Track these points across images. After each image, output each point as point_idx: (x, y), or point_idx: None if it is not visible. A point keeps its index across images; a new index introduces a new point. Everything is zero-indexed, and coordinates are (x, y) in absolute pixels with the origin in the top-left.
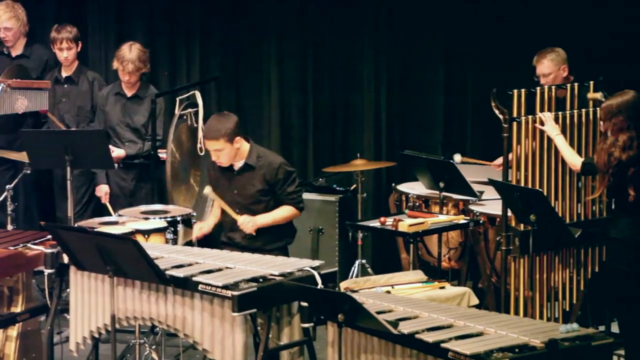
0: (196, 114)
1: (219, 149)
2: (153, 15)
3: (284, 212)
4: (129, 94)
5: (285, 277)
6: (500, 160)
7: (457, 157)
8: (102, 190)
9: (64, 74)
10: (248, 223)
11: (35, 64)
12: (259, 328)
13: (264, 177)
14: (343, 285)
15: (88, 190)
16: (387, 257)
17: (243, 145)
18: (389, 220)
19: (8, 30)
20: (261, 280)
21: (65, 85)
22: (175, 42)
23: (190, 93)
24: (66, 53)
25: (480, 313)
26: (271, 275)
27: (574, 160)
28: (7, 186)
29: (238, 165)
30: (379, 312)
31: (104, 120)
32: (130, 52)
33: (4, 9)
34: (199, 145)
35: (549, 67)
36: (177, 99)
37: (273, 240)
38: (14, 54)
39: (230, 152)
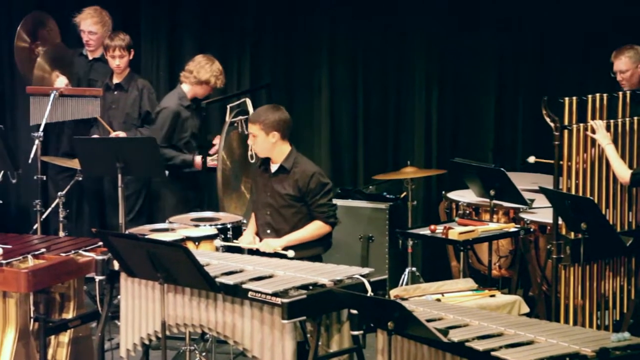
0: (247, 121)
1: (254, 134)
2: (204, 23)
3: (311, 230)
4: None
5: (335, 284)
6: None
7: (531, 159)
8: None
9: (115, 81)
10: (268, 248)
11: (107, 70)
12: (308, 335)
13: (296, 183)
14: (393, 293)
15: (140, 197)
16: (437, 265)
17: (282, 147)
18: (439, 228)
19: (93, 34)
20: (311, 287)
21: (115, 92)
22: (226, 50)
23: (241, 100)
24: (118, 61)
25: (531, 321)
26: (321, 282)
27: (622, 172)
28: (59, 193)
29: (274, 167)
30: (429, 320)
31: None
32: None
33: (91, 13)
34: (249, 153)
35: (626, 63)
36: (228, 107)
37: (303, 248)
38: (91, 57)
39: (263, 142)
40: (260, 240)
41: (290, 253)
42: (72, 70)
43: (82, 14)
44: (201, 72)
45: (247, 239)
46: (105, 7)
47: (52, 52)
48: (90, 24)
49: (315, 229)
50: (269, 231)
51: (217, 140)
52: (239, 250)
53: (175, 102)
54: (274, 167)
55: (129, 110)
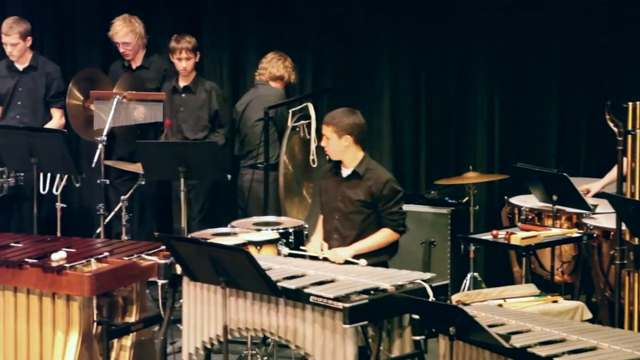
0: (309, 125)
1: (327, 136)
2: (266, 28)
3: (380, 238)
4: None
5: (397, 289)
6: (586, 186)
7: None
8: None
9: (182, 84)
10: (337, 258)
11: (154, 75)
12: (370, 340)
13: (369, 189)
14: (455, 298)
15: (207, 201)
16: (499, 270)
17: (356, 152)
18: (502, 233)
19: (127, 44)
20: (372, 292)
21: (183, 95)
22: (288, 54)
23: (303, 105)
24: (185, 63)
25: (594, 327)
26: (382, 287)
27: None
28: (122, 197)
29: (347, 172)
30: (490, 326)
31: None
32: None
33: (121, 24)
34: (311, 157)
35: None
36: (290, 111)
37: (369, 255)
38: (134, 66)
39: (336, 145)
40: (329, 246)
41: (363, 262)
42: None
43: (114, 27)
44: (275, 68)
45: (315, 246)
46: (167, 12)
47: (83, 79)
48: (122, 35)
49: (384, 236)
50: (335, 236)
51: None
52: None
53: None
54: (345, 172)
55: (199, 112)
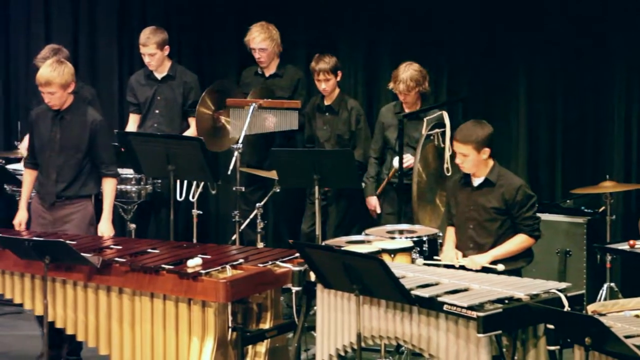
0: (443, 134)
1: (465, 153)
2: (400, 39)
3: (516, 243)
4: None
5: (532, 298)
6: None
7: None
8: (372, 202)
9: (326, 103)
10: (474, 265)
11: (287, 84)
12: (504, 350)
13: (502, 196)
14: (590, 308)
15: (350, 209)
16: (636, 281)
17: (488, 161)
18: (639, 244)
19: (263, 51)
20: (507, 301)
21: (327, 114)
22: (423, 63)
23: (438, 113)
24: (324, 84)
25: None
26: (517, 296)
27: None
28: (257, 204)
29: (478, 180)
30: (627, 337)
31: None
32: (404, 72)
33: (258, 30)
34: (445, 166)
35: None
36: (425, 120)
37: (506, 261)
38: (267, 73)
39: (475, 160)
40: (464, 255)
41: (500, 267)
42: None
43: (250, 33)
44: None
45: (449, 255)
46: (302, 30)
47: (216, 90)
48: (259, 41)
49: (519, 242)
50: (471, 245)
51: None
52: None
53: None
54: (477, 181)
55: (339, 132)
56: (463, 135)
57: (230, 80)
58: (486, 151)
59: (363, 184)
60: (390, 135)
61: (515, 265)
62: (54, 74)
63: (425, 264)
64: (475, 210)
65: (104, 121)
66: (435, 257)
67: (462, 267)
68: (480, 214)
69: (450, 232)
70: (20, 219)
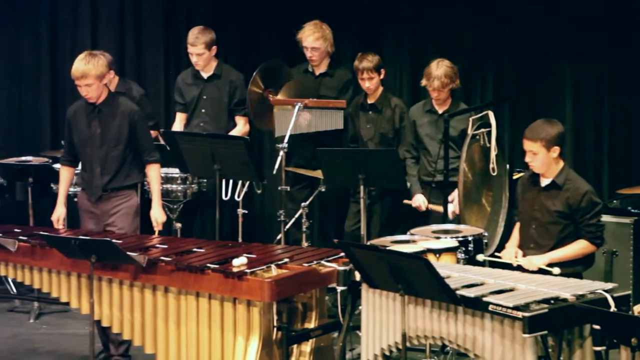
0: (489, 134)
1: (534, 151)
2: (447, 39)
3: (576, 249)
4: (440, 110)
5: (577, 299)
6: None
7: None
8: (419, 200)
9: (369, 101)
10: (530, 265)
11: (336, 84)
12: (550, 350)
13: (567, 200)
14: (637, 309)
15: (394, 208)
16: None
17: (557, 162)
18: None
19: (315, 50)
20: (552, 301)
21: (370, 112)
22: (469, 63)
23: (484, 113)
24: (368, 83)
25: None
26: (563, 297)
27: None
28: (303, 204)
29: (546, 181)
30: None
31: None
32: (437, 68)
33: (312, 29)
34: (491, 166)
35: None
36: (470, 119)
37: (564, 265)
38: (317, 72)
39: (545, 158)
40: (524, 254)
41: (556, 270)
42: (293, 88)
43: (304, 31)
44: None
45: (510, 253)
46: (349, 30)
47: (266, 69)
48: (312, 40)
49: (580, 248)
50: (532, 245)
51: None
52: (501, 265)
53: None
54: (544, 182)
55: (384, 130)
56: (533, 132)
57: (280, 60)
58: (556, 150)
59: (409, 184)
60: (421, 132)
61: (573, 269)
62: (89, 66)
63: (485, 260)
64: (539, 211)
65: (139, 109)
66: (496, 254)
67: (519, 267)
68: (544, 216)
69: (516, 229)
70: (59, 214)
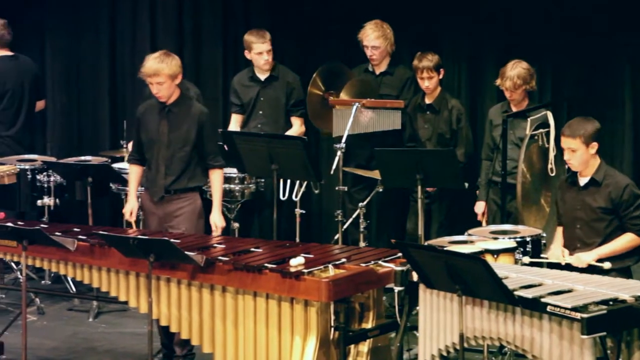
0: (547, 134)
1: (574, 148)
2: (506, 36)
3: (623, 242)
4: (515, 109)
5: (637, 300)
6: None
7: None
8: (479, 208)
9: (427, 101)
10: (580, 262)
11: (396, 83)
12: (608, 352)
13: (609, 195)
14: None
15: (453, 208)
16: None
17: (594, 160)
18: None
19: (375, 48)
20: (611, 302)
21: (428, 113)
22: (528, 61)
23: (542, 113)
24: (427, 82)
25: None
26: (622, 298)
27: None
28: (360, 204)
29: (584, 180)
30: None
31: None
32: (511, 69)
33: (373, 28)
34: (549, 166)
35: None
36: (529, 120)
37: (613, 260)
38: (377, 71)
39: (583, 155)
40: (570, 254)
41: (607, 265)
42: (354, 88)
43: (365, 30)
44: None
45: (556, 253)
46: (402, 29)
47: (327, 71)
48: (373, 38)
49: (627, 241)
50: (579, 245)
51: None
52: (549, 265)
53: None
54: (583, 181)
55: (441, 130)
56: (572, 129)
57: (340, 62)
58: (594, 146)
59: (467, 184)
60: (497, 134)
61: (623, 263)
62: (162, 65)
63: (531, 262)
64: (582, 210)
65: (208, 113)
66: (542, 255)
67: (568, 265)
68: (588, 214)
69: (560, 231)
70: (131, 207)
